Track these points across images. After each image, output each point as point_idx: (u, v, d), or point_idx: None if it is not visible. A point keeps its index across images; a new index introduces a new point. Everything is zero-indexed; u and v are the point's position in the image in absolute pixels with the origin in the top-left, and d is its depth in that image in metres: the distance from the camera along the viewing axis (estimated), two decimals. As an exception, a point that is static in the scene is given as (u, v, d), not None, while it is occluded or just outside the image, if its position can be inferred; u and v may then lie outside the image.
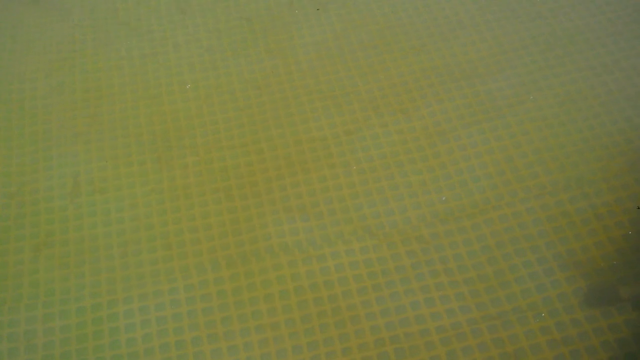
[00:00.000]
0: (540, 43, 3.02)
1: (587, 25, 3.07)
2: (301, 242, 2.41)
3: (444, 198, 2.44)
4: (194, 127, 2.80)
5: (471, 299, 2.24)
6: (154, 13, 3.28)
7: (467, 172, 2.57)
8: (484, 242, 2.38)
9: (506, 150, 2.62)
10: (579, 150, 2.61)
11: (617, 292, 2.20)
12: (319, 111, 2.82)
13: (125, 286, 2.34)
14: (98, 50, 3.13)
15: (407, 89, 2.88)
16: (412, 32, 3.11)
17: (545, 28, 3.07)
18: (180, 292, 2.31)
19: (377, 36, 3.10)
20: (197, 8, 3.29)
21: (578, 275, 2.27)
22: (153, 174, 2.65)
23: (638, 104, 2.72)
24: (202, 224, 2.49)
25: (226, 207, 2.53)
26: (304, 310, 2.25)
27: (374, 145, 2.68)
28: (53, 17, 3.27)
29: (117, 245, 2.45)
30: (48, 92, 2.97)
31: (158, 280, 2.34)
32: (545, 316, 2.17)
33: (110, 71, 3.03)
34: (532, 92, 2.81)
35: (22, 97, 2.94)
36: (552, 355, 2.10)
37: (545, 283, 2.26)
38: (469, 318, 2.20)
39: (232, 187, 2.59)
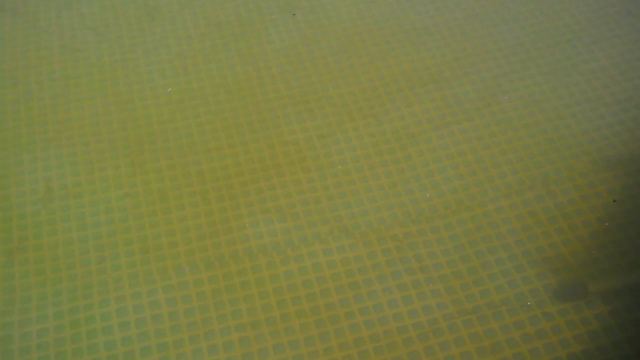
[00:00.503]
0: (504, 48, 3.11)
1: (546, 30, 3.18)
2: (279, 243, 2.45)
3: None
4: (167, 131, 2.81)
5: (447, 296, 2.30)
6: (122, 19, 3.28)
7: (438, 173, 2.64)
8: (457, 240, 2.45)
9: (476, 151, 2.70)
10: (543, 151, 2.70)
11: (587, 287, 2.29)
12: (291, 116, 2.86)
13: (102, 290, 2.33)
14: (66, 56, 3.11)
15: (377, 94, 2.94)
16: (379, 37, 3.18)
17: (508, 34, 3.17)
18: (159, 293, 2.32)
19: (345, 42, 3.16)
20: (166, 14, 3.30)
21: (547, 271, 2.35)
22: (127, 178, 2.65)
23: (598, 106, 2.84)
24: (180, 227, 2.50)
25: (203, 210, 2.54)
26: (284, 310, 2.28)
27: (347, 148, 2.73)
28: (18, 24, 3.25)
29: (94, 250, 2.44)
30: (16, 99, 2.94)
31: (136, 282, 2.34)
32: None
33: (79, 78, 3.02)
34: (497, 94, 2.90)
35: (-10, 102, 2.91)
36: (527, 349, 2.17)
37: (516, 279, 2.34)
38: (445, 314, 2.26)
39: (209, 190, 2.61)
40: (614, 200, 2.50)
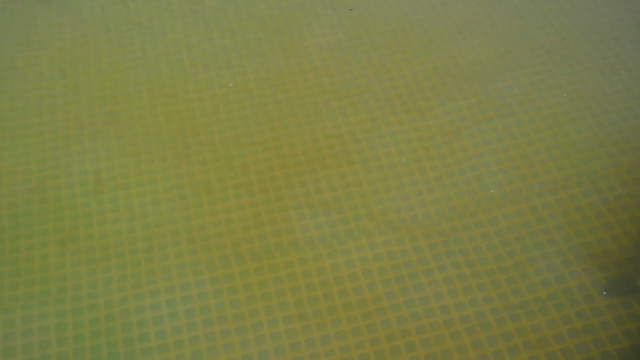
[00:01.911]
0: (546, 44, 3.10)
1: (590, 27, 3.16)
2: (325, 236, 2.46)
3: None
4: (211, 124, 2.84)
5: (493, 290, 2.30)
6: (166, 13, 3.32)
7: (482, 168, 2.64)
8: (503, 236, 2.45)
9: (519, 147, 2.70)
10: (589, 147, 2.68)
11: (635, 282, 2.28)
12: (335, 110, 2.87)
13: (151, 279, 2.37)
14: (112, 50, 3.16)
15: (420, 89, 2.94)
16: (422, 34, 3.18)
17: (550, 29, 3.15)
18: (207, 284, 2.35)
19: (389, 37, 3.17)
20: (209, 8, 3.34)
21: (595, 267, 2.34)
22: (173, 170, 2.68)
23: (645, 102, 2.81)
24: (225, 218, 2.53)
25: (248, 202, 2.57)
26: (330, 302, 2.29)
27: (392, 142, 2.74)
28: (64, 18, 3.30)
29: (142, 240, 2.48)
30: (64, 92, 2.99)
31: (184, 273, 2.38)
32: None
33: (125, 71, 3.07)
34: (541, 90, 2.89)
35: (39, 95, 2.97)
36: (574, 344, 2.16)
37: (563, 274, 2.33)
38: (492, 308, 2.26)
39: (253, 182, 2.63)
40: (663, 197, 2.49)
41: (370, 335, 2.21)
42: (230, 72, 3.04)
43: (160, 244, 2.47)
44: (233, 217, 2.54)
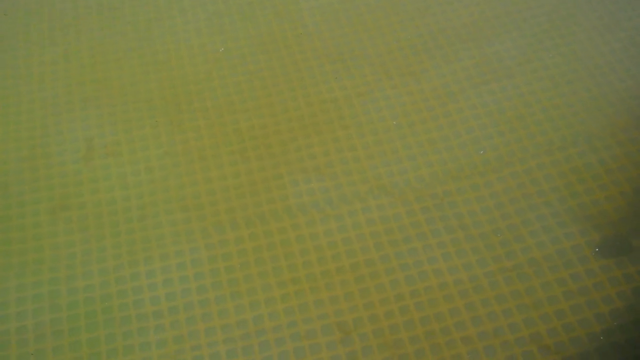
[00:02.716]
0: (545, 4, 3.05)
1: (588, -14, 3.10)
2: (318, 201, 2.45)
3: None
4: (204, 90, 2.81)
5: (487, 253, 2.29)
6: (157, -22, 3.27)
7: (478, 130, 2.61)
8: (497, 198, 2.43)
9: (516, 109, 2.67)
10: (586, 108, 2.65)
11: (630, 243, 2.26)
12: (329, 74, 2.84)
13: (146, 247, 2.36)
14: (102, 15, 3.11)
15: (415, 52, 2.90)
16: (417, -5, 3.13)
17: (548, -10, 3.10)
18: (201, 251, 2.34)
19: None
20: (201, -27, 3.28)
21: (590, 228, 2.33)
22: (166, 137, 2.66)
23: (643, 62, 2.78)
24: (219, 186, 2.52)
25: (242, 169, 2.55)
26: (324, 266, 2.29)
27: (385, 106, 2.71)
28: (54, -16, 3.25)
29: (135, 208, 2.47)
30: (55, 59, 2.95)
31: (178, 241, 2.37)
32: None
33: (115, 37, 3.02)
34: (538, 52, 2.85)
35: (29, 63, 2.93)
36: (568, 306, 2.16)
37: (558, 236, 2.32)
38: (486, 271, 2.25)
39: (247, 149, 2.61)
40: (659, 157, 2.46)
41: (364, 299, 2.21)
42: (223, 37, 3.00)
43: (153, 212, 2.45)
44: (228, 184, 2.52)
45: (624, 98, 2.67)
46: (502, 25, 2.97)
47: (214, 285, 2.26)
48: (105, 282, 2.28)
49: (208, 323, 2.18)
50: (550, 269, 2.24)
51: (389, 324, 2.15)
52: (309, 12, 3.08)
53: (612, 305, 2.16)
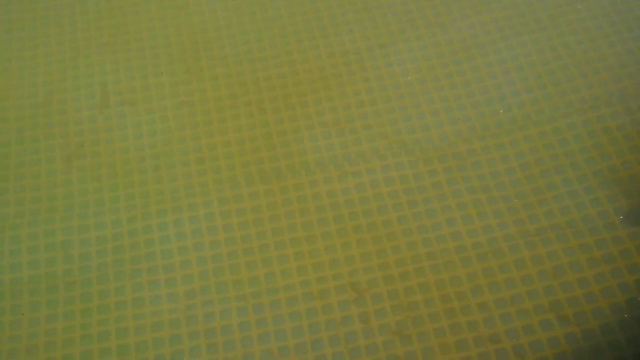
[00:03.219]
0: (584, -48, 2.87)
1: None
2: (337, 157, 2.37)
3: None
4: (223, 38, 2.72)
5: (509, 216, 2.21)
6: None
7: (506, 86, 2.49)
8: (523, 158, 2.33)
9: (547, 63, 2.54)
10: (622, 64, 2.51)
11: (660, 210, 2.16)
12: (353, 24, 2.72)
13: (159, 199, 2.32)
14: (121, -44, 3.01)
15: (444, 1, 2.76)
16: (449, -61, 2.96)
17: None
18: (215, 205, 2.29)
19: (412, -57, 2.96)
20: None
21: (619, 193, 2.22)
22: (183, 86, 2.59)
23: (687, 16, 2.61)
24: (235, 138, 2.45)
25: (259, 121, 2.48)
26: (340, 224, 2.23)
27: (409, 59, 2.60)
28: None
29: (150, 158, 2.42)
30: (71, 3, 2.88)
31: (192, 193, 2.32)
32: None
33: (134, -21, 2.93)
34: (574, 3, 2.69)
35: (46, 7, 2.86)
36: (592, 274, 2.08)
37: (584, 201, 2.22)
38: (506, 234, 2.17)
39: (265, 100, 2.53)
40: (698, 120, 2.33)
41: (380, 260, 2.15)
42: (243, -19, 2.88)
43: (168, 163, 2.40)
44: (244, 136, 2.45)
45: (664, 55, 2.52)
46: (538, -27, 2.81)
47: (226, 240, 2.22)
48: (118, 234, 2.25)
49: (219, 278, 2.15)
50: (574, 235, 2.16)
51: (404, 286, 2.10)
52: (335, -44, 2.94)
53: (638, 274, 2.07)
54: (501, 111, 2.44)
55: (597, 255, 2.11)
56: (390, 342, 2.00)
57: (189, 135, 2.47)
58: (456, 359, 1.96)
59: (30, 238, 2.26)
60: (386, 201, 2.27)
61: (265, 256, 2.18)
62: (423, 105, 2.47)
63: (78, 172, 2.40)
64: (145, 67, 2.64)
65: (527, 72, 2.52)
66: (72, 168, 2.41)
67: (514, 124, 2.41)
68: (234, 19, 2.77)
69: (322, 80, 2.56)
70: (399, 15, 2.72)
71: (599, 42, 2.58)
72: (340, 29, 2.70)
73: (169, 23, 2.78)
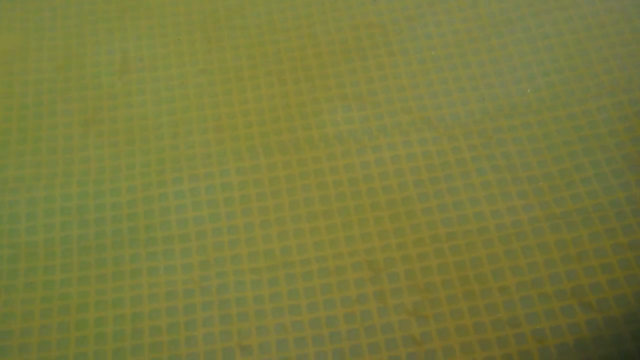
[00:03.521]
0: None
1: None
2: (356, 131, 2.32)
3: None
4: (245, 7, 2.66)
5: (534, 198, 2.15)
6: None
7: (535, 66, 2.42)
8: (550, 139, 2.26)
9: (580, 43, 2.45)
10: (657, 47, 2.43)
11: (691, 198, 2.09)
12: (379, -6, 2.65)
13: (176, 167, 2.28)
14: None
15: (474, -26, 2.68)
16: None
17: None
18: (232, 175, 2.25)
19: None
20: None
21: (649, 179, 2.16)
22: (203, 54, 2.54)
23: None
24: (255, 108, 2.40)
25: (279, 92, 2.43)
26: (358, 200, 2.18)
27: (437, 33, 2.53)
28: None
29: (167, 125, 2.38)
30: (94, -36, 2.82)
31: (209, 163, 2.28)
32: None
33: (158, -57, 2.87)
34: (610, -19, 2.60)
35: (67, -33, 2.81)
36: (616, 260, 2.02)
37: (613, 185, 2.15)
38: (531, 217, 2.11)
39: (286, 71, 2.48)
40: None
41: (398, 239, 2.10)
42: (269, -51, 2.81)
43: (186, 130, 2.36)
44: (263, 107, 2.40)
45: (702, 38, 2.43)
46: (573, -51, 2.71)
47: (243, 211, 2.18)
48: (133, 201, 2.22)
49: (235, 250, 2.11)
50: (600, 220, 2.09)
51: (422, 266, 2.05)
52: None
53: (664, 263, 2.01)
54: (529, 91, 2.37)
55: (623, 241, 2.05)
56: (406, 322, 1.96)
57: (207, 104, 2.43)
58: (474, 341, 1.91)
59: (46, 201, 2.23)
60: (407, 178, 2.22)
61: (282, 229, 2.14)
62: (449, 82, 2.40)
63: (95, 137, 2.36)
64: (166, 35, 2.59)
65: (557, 51, 2.44)
66: (90, 133, 2.37)
67: (542, 104, 2.34)
68: (258, -13, 2.71)
69: (344, 53, 2.50)
70: (428, -12, 2.65)
71: (635, 22, 2.49)
72: (365, 1, 2.63)
73: (191, -11, 2.72)
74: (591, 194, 2.14)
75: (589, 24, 2.50)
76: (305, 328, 1.97)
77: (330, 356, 1.92)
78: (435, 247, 2.08)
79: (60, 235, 2.18)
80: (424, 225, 2.13)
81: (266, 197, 2.21)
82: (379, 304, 2.00)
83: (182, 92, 2.45)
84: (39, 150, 2.34)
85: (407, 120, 2.33)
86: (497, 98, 2.37)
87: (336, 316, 1.98)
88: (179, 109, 2.42)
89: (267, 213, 2.17)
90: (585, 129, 2.27)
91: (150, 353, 1.94)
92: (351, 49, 2.51)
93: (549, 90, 2.37)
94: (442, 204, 2.16)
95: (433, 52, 2.47)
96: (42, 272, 2.10)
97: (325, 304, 2.01)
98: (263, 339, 1.95)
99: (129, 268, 2.10)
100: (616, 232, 2.07)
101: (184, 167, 2.29)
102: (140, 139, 2.36)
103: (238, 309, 2.01)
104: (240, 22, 2.62)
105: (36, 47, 2.60)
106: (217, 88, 2.46)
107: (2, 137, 2.36)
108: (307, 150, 2.29)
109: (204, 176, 2.26)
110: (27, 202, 2.23)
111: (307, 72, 2.46)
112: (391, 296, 2.01)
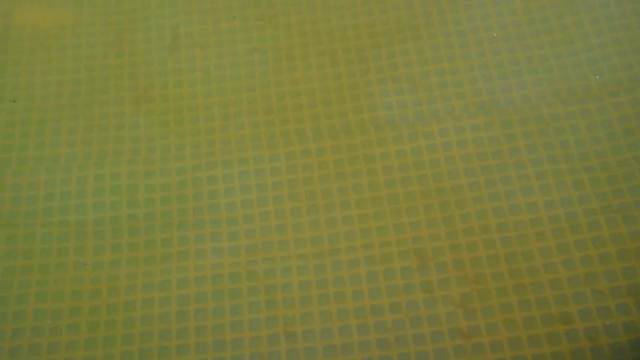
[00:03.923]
0: None
1: None
2: (408, 116, 2.27)
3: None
4: (298, -18, 2.60)
5: (591, 189, 2.08)
6: None
7: (597, 49, 2.31)
8: (610, 128, 2.17)
9: (646, 26, 2.34)
10: None
11: None
12: (435, -30, 2.56)
13: (225, 149, 2.28)
14: None
15: (535, -51, 2.57)
16: None
17: None
18: (282, 159, 2.23)
19: None
20: None
21: None
22: (255, 32, 2.51)
23: None
24: (305, 89, 2.37)
25: (331, 73, 2.39)
26: (408, 187, 2.14)
27: (495, 13, 2.44)
28: None
29: (217, 106, 2.37)
30: (146, -64, 2.80)
31: (259, 145, 2.27)
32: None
33: None
34: (682, -41, 2.46)
35: (120, -60, 2.79)
36: (675, 258, 1.94)
37: (675, 178, 2.06)
38: (587, 209, 2.05)
39: (338, 50, 2.43)
40: None
41: (447, 228, 2.06)
42: None
43: (236, 111, 2.35)
44: (314, 87, 2.37)
45: None
46: None
47: (291, 196, 2.17)
48: (182, 182, 2.23)
49: (282, 236, 2.10)
50: (660, 215, 2.01)
51: (471, 256, 2.01)
52: None
53: None
54: (590, 75, 2.27)
55: (684, 239, 1.97)
56: (453, 314, 1.93)
57: (258, 84, 2.40)
58: (523, 337, 1.87)
59: (96, 180, 2.25)
60: (458, 165, 2.16)
61: (330, 216, 2.12)
62: (506, 65, 2.32)
63: (146, 116, 2.37)
64: (218, 11, 2.56)
65: (621, 34, 2.33)
66: (140, 111, 2.38)
67: (603, 89, 2.24)
68: (310, -38, 2.65)
69: (399, 33, 2.44)
70: (486, -35, 2.55)
71: None
72: (421, -22, 2.55)
73: (243, -36, 2.68)
74: (652, 187, 2.06)
75: (657, 6, 2.37)
76: (350, 317, 1.96)
77: (375, 346, 1.91)
78: (485, 238, 2.04)
79: (109, 215, 2.20)
80: (474, 215, 2.08)
81: (314, 182, 2.19)
82: (425, 295, 1.97)
83: (232, 71, 2.43)
84: (90, 128, 2.36)
85: (461, 105, 2.27)
86: (555, 82, 2.28)
87: (381, 305, 1.97)
88: (229, 89, 2.40)
89: (315, 198, 2.15)
90: (648, 118, 2.18)
91: (195, 337, 1.96)
92: (405, 28, 2.44)
93: (611, 74, 2.27)
94: (493, 193, 2.10)
95: (491, 34, 2.39)
96: (91, 251, 2.13)
97: (371, 292, 1.99)
98: (308, 326, 1.95)
99: (177, 250, 2.12)
100: (677, 229, 1.99)
101: (233, 149, 2.28)
102: (190, 119, 2.35)
103: (284, 294, 2.01)
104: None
105: (89, 22, 2.60)
106: (269, 67, 2.43)
107: (55, 113, 2.38)
108: (357, 134, 2.25)
109: (254, 159, 2.25)
110: (77, 180, 2.25)
111: (360, 53, 2.41)
112: (439, 287, 1.98)
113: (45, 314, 2.00)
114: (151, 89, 2.43)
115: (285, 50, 2.45)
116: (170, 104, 2.39)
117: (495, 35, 2.39)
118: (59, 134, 2.33)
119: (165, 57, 2.49)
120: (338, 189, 2.16)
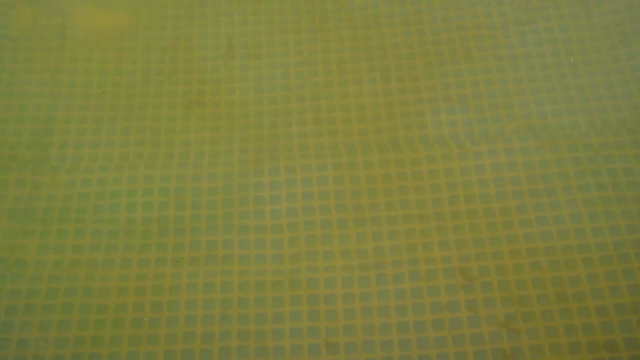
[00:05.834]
0: None
1: None
2: (458, 135, 2.28)
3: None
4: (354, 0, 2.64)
5: (639, 219, 2.07)
6: None
7: (650, 81, 2.32)
8: (661, 159, 2.17)
9: (701, 60, 2.34)
10: None
11: None
12: (489, -5, 2.59)
13: (273, 156, 2.30)
14: None
15: (590, -21, 2.59)
16: None
17: None
18: (329, 169, 2.25)
19: None
20: None
21: None
22: (307, 44, 2.54)
23: None
24: (355, 103, 2.39)
25: (381, 89, 2.41)
26: (455, 206, 2.15)
27: (547, 40, 2.45)
28: None
29: (267, 114, 2.40)
30: (205, -53, 2.86)
31: (306, 155, 2.29)
32: None
33: None
34: None
35: (180, -51, 2.85)
36: None
37: None
38: (635, 239, 2.04)
39: (390, 67, 2.45)
40: None
41: (494, 248, 2.06)
42: (378, -59, 2.78)
43: (285, 121, 2.38)
44: (364, 102, 2.39)
45: None
46: (700, -40, 2.58)
47: (337, 207, 2.18)
48: (229, 187, 2.25)
49: (327, 246, 2.11)
50: None
51: (517, 278, 2.01)
52: None
53: None
54: (641, 106, 2.27)
55: None
56: (497, 333, 1.93)
57: (308, 95, 2.43)
58: (566, 362, 1.87)
59: (146, 180, 2.29)
60: (506, 187, 2.17)
61: (376, 230, 2.13)
62: (557, 91, 2.33)
63: (197, 121, 2.40)
64: (272, 23, 2.60)
65: (675, 66, 2.34)
66: (192, 116, 2.42)
67: (654, 121, 2.24)
68: (365, -20, 2.69)
69: (451, 54, 2.46)
70: (541, -8, 2.57)
71: None
72: (475, 1, 2.58)
73: (299, -22, 2.72)
74: (702, 220, 2.05)
75: None
76: (393, 331, 1.96)
77: (417, 361, 1.91)
78: (532, 260, 2.03)
79: (157, 215, 2.23)
80: (521, 237, 2.08)
81: (361, 195, 2.20)
82: (470, 313, 1.97)
83: (283, 81, 2.47)
84: (143, 129, 2.40)
85: (512, 127, 2.28)
86: (606, 111, 2.29)
87: (425, 322, 1.97)
88: (279, 98, 2.43)
89: (362, 211, 2.16)
90: (700, 152, 2.17)
91: (237, 340, 1.97)
92: (457, 49, 2.46)
93: (662, 107, 2.27)
94: (541, 217, 2.10)
95: (543, 59, 2.40)
96: (138, 249, 2.15)
97: (415, 308, 1.99)
98: (350, 338, 1.95)
99: (221, 253, 2.14)
100: None
101: (281, 157, 2.30)
102: (240, 126, 2.38)
103: (327, 306, 2.01)
104: (346, 14, 2.60)
105: (145, 26, 2.66)
106: (319, 79, 2.46)
107: (111, 113, 2.43)
108: (406, 150, 2.27)
109: (301, 168, 2.27)
110: (128, 179, 2.29)
111: (412, 71, 2.43)
112: (483, 306, 1.98)
113: (91, 308, 2.03)
114: (203, 95, 2.47)
115: (336, 64, 2.48)
116: (222, 110, 2.42)
117: (547, 61, 2.40)
118: (113, 133, 2.37)
119: (219, 65, 2.53)
120: (385, 204, 2.17)
